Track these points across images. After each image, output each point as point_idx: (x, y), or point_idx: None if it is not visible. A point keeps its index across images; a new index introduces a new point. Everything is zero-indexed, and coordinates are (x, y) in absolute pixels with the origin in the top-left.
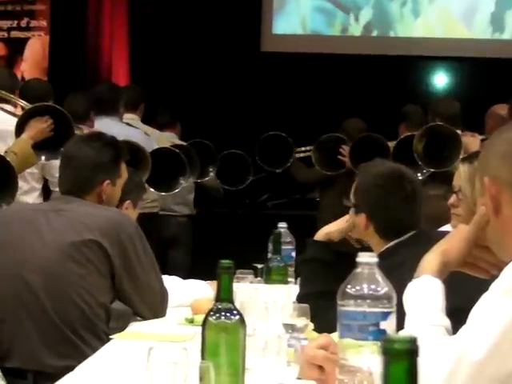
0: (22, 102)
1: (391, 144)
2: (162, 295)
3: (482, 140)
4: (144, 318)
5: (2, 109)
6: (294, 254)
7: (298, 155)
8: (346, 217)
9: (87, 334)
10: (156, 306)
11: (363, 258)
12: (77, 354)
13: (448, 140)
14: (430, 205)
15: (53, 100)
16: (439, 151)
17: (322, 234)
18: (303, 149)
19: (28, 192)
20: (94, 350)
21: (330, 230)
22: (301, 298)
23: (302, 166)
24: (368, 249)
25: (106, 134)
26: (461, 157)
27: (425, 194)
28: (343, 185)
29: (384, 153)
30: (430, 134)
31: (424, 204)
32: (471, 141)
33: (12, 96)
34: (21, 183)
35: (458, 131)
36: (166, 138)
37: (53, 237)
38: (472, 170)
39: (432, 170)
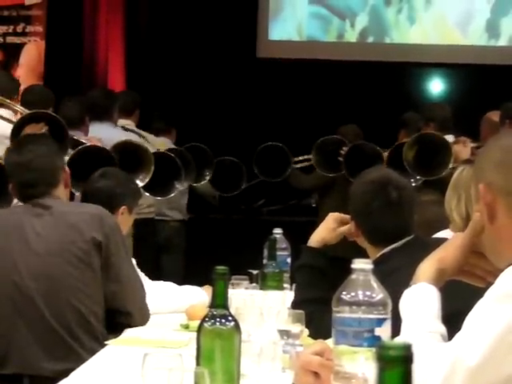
0: (19, 108)
1: (386, 153)
2: (143, 291)
3: (475, 148)
4: (131, 317)
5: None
6: (289, 260)
7: (295, 165)
8: (331, 216)
9: (84, 336)
10: (140, 300)
11: (358, 264)
12: (73, 357)
13: (438, 148)
14: (424, 211)
15: (52, 107)
16: (430, 159)
17: (316, 240)
18: (301, 158)
19: None
20: (91, 351)
21: (322, 236)
22: (296, 305)
23: (300, 174)
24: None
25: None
26: (451, 165)
27: (418, 201)
28: (343, 189)
29: (377, 160)
30: (420, 141)
31: (417, 210)
32: (462, 149)
33: (9, 101)
34: None
35: (451, 136)
36: (161, 143)
37: (41, 240)
38: None
39: (421, 177)
